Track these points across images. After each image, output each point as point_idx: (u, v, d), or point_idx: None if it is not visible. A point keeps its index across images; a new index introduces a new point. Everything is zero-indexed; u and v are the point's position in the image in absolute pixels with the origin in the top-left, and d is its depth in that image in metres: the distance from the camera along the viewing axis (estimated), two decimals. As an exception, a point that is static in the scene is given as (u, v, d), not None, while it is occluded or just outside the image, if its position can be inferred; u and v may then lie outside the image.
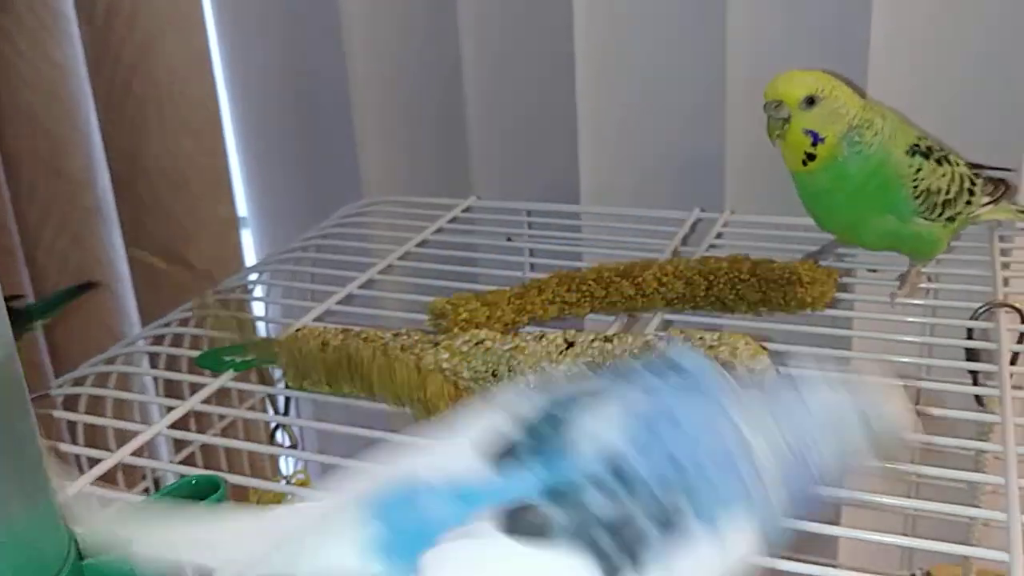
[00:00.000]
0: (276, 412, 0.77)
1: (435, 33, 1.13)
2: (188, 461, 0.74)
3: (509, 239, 1.00)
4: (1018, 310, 0.68)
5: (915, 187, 0.72)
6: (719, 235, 0.89)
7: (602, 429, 0.39)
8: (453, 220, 0.98)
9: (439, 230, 0.96)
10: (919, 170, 0.72)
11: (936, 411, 0.60)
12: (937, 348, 0.73)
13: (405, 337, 0.65)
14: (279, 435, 0.80)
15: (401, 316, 0.80)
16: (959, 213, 0.75)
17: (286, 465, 1.01)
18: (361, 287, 0.83)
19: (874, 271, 0.80)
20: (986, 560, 0.49)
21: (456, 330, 0.66)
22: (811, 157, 0.71)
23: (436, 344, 0.64)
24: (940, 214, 0.74)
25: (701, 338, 0.58)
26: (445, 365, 0.63)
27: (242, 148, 1.30)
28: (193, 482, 0.52)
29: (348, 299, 0.81)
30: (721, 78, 0.97)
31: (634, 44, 1.02)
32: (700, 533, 0.38)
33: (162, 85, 1.18)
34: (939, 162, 0.74)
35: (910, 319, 0.75)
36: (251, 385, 0.71)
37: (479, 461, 0.39)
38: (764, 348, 0.57)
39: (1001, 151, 0.86)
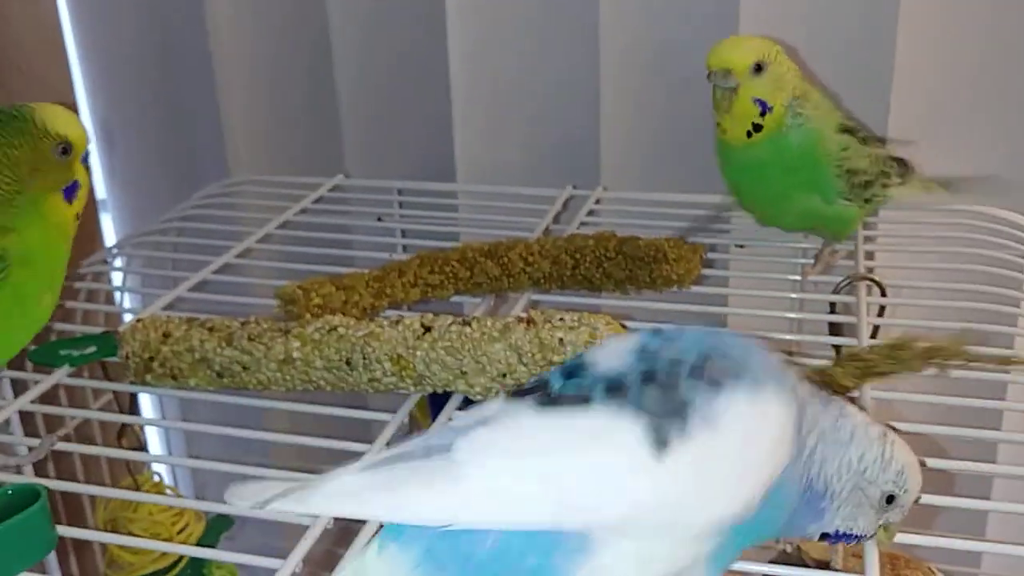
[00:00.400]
0: (122, 411, 0.72)
1: (303, 6, 1.09)
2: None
3: (380, 219, 0.97)
4: (878, 283, 0.68)
5: (839, 166, 0.70)
6: (591, 212, 0.87)
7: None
8: (319, 200, 0.94)
9: (303, 211, 0.92)
10: (846, 148, 0.70)
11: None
12: (805, 323, 0.73)
13: (254, 326, 0.61)
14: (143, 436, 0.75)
15: (259, 303, 0.76)
16: (875, 195, 0.73)
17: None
18: (218, 271, 0.79)
19: (741, 247, 0.79)
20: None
21: (308, 316, 0.62)
22: (757, 128, 0.67)
23: (286, 332, 0.60)
24: (859, 195, 0.71)
25: (561, 319, 0.56)
26: (296, 354, 0.59)
27: (99, 127, 1.23)
28: (9, 492, 0.48)
29: (204, 285, 0.77)
30: (595, 54, 0.95)
31: (508, 20, 0.99)
32: (741, 394, 0.39)
33: (11, 61, 1.10)
34: (863, 141, 0.71)
35: (778, 294, 0.74)
36: (92, 382, 0.66)
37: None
38: (624, 327, 0.56)
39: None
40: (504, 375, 0.56)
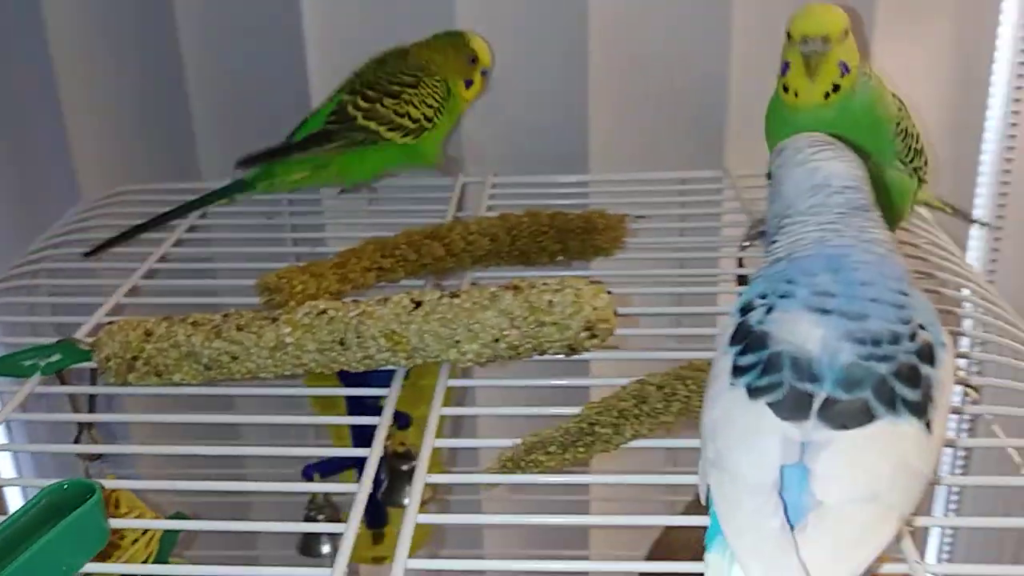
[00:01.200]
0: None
1: (148, 14, 1.07)
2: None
3: (269, 218, 0.98)
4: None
5: (897, 124, 0.73)
6: (491, 196, 0.93)
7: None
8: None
9: (204, 215, 0.92)
10: (900, 109, 0.73)
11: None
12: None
13: (237, 317, 0.63)
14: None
15: (195, 302, 0.77)
16: (919, 168, 0.77)
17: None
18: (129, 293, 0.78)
19: (642, 217, 0.87)
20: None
21: (292, 303, 0.65)
22: (836, 89, 0.70)
23: (274, 320, 0.62)
24: (911, 160, 0.75)
25: (545, 283, 0.62)
26: (288, 340, 0.62)
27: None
28: (64, 487, 0.48)
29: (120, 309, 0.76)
30: None
31: (362, 14, 1.02)
32: (942, 354, 0.44)
33: None
34: (908, 111, 0.75)
35: (696, 255, 0.83)
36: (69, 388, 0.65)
37: None
38: (600, 283, 0.62)
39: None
40: (497, 340, 0.61)
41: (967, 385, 0.62)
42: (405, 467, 0.97)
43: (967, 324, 0.75)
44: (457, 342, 0.61)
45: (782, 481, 0.39)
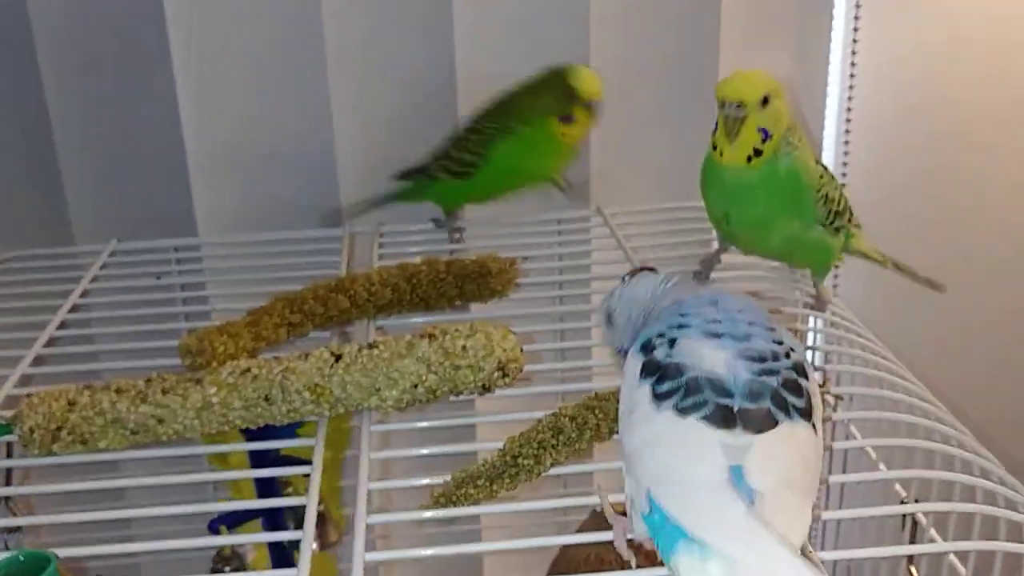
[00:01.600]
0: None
1: (12, 65, 1.06)
2: None
3: (158, 277, 0.99)
4: (654, 270, 0.85)
5: (818, 191, 0.77)
6: (381, 244, 0.97)
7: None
8: (105, 266, 0.95)
9: (95, 278, 0.92)
10: (822, 176, 0.78)
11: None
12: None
13: (161, 381, 0.65)
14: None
15: (102, 367, 0.78)
16: (842, 227, 0.81)
17: None
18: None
19: (525, 259, 0.93)
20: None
21: (215, 364, 0.67)
22: (758, 153, 0.73)
23: (199, 381, 0.65)
24: (832, 222, 0.79)
25: (457, 329, 0.66)
26: (214, 399, 0.64)
27: None
28: (21, 558, 0.50)
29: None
30: (325, 93, 1.04)
31: (235, 61, 1.04)
32: (810, 371, 0.52)
33: None
34: (831, 175, 0.80)
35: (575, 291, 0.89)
36: None
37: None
38: (509, 329, 0.67)
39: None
40: (415, 385, 0.65)
41: (834, 396, 0.70)
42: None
43: (818, 338, 0.84)
44: (378, 390, 0.65)
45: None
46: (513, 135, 0.92)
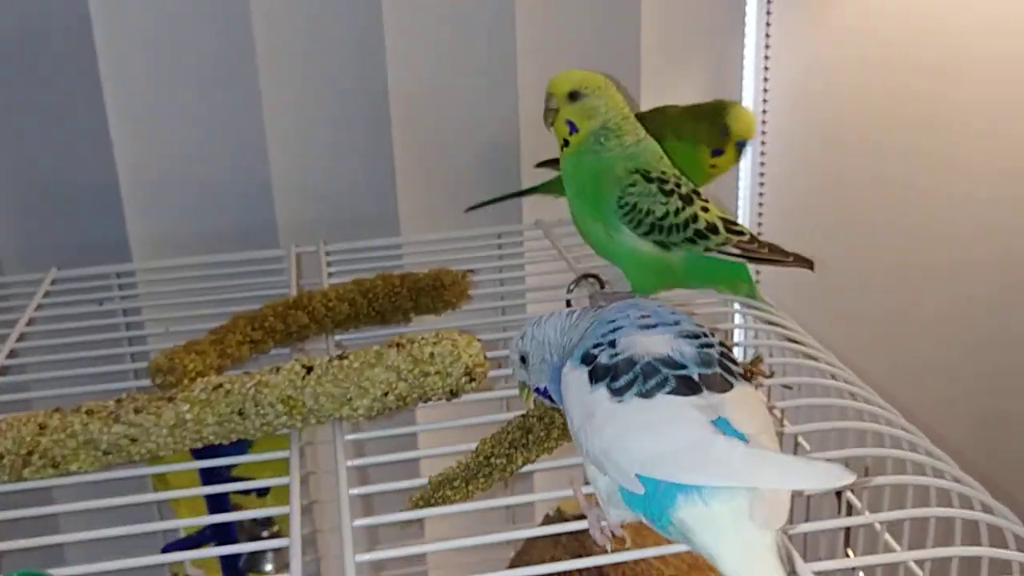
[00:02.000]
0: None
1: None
2: None
3: (100, 303, 0.98)
4: (598, 278, 0.89)
5: (621, 197, 0.78)
6: (329, 263, 0.99)
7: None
8: (47, 294, 0.94)
9: (39, 307, 0.92)
10: (633, 185, 0.78)
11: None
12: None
13: (132, 400, 0.66)
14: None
15: (54, 394, 0.78)
16: (676, 245, 0.80)
17: None
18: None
19: (471, 271, 0.96)
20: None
21: (186, 382, 0.68)
22: (566, 143, 0.81)
23: (171, 400, 0.65)
24: (648, 234, 0.79)
25: (423, 338, 0.68)
26: (188, 417, 0.65)
27: None
28: (17, 579, 0.50)
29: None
30: (259, 111, 1.05)
31: (167, 85, 1.05)
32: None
33: None
34: (666, 192, 0.78)
35: (516, 301, 0.92)
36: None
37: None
38: (474, 336, 0.70)
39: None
40: (386, 393, 0.67)
41: (784, 386, 0.75)
42: (265, 533, 1.00)
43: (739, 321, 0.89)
44: (349, 399, 0.67)
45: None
46: (663, 144, 0.84)
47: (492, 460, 0.63)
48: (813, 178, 1.28)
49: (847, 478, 0.44)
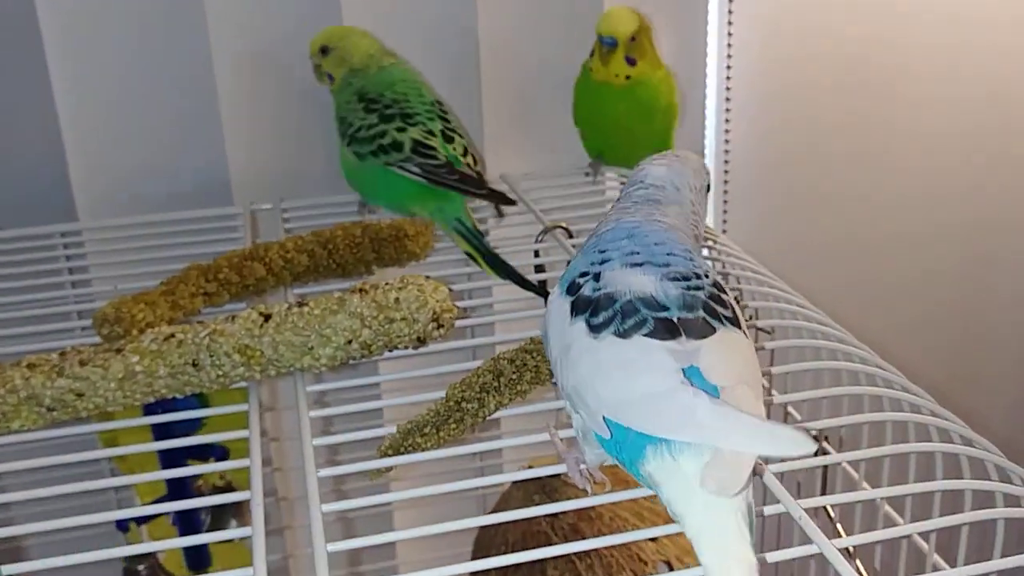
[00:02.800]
0: None
1: None
2: None
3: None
4: (566, 228, 0.86)
5: (338, 113, 0.92)
6: (285, 219, 0.95)
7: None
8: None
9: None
10: (348, 103, 0.91)
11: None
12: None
13: (75, 353, 0.62)
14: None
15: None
16: (364, 156, 0.88)
17: None
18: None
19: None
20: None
21: (135, 332, 0.64)
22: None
23: (120, 351, 0.62)
24: (349, 144, 0.90)
25: (387, 283, 0.65)
26: (138, 368, 0.61)
27: None
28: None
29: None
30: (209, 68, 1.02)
31: (112, 33, 1.00)
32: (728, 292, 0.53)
33: None
34: (369, 110, 0.89)
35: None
36: None
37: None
38: (446, 283, 0.67)
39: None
40: (349, 341, 0.64)
41: (760, 329, 0.73)
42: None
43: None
44: (311, 348, 0.63)
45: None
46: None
47: (463, 405, 0.60)
48: (775, 150, 1.27)
49: (810, 446, 0.41)
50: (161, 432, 0.83)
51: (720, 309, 0.50)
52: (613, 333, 0.49)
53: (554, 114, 1.10)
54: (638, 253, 0.53)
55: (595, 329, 0.50)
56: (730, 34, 1.20)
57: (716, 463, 0.43)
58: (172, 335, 0.62)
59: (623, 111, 0.97)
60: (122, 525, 0.94)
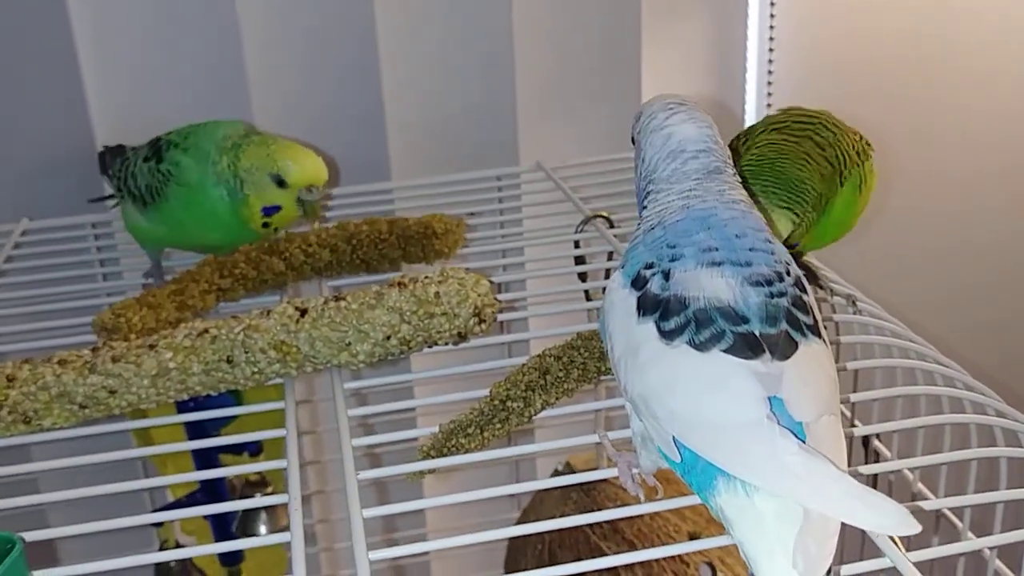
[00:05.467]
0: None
1: None
2: None
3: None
4: (607, 218, 0.84)
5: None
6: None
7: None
8: (17, 246, 0.88)
9: (8, 259, 0.85)
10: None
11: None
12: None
13: (109, 349, 0.60)
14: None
15: (26, 347, 0.72)
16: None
17: None
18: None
19: (472, 214, 0.90)
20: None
21: (134, 337, 0.62)
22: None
23: (152, 347, 0.60)
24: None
25: (427, 277, 0.63)
26: (171, 366, 0.59)
27: None
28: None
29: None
30: (239, 55, 0.99)
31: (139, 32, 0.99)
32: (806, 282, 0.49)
33: None
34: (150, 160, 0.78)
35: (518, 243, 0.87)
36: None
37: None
38: (486, 275, 0.64)
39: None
40: (388, 337, 0.61)
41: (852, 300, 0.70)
42: (259, 495, 0.94)
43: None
44: (348, 344, 0.61)
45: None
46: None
47: (508, 404, 0.57)
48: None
49: (915, 526, 0.37)
50: (194, 426, 0.82)
51: (802, 317, 0.46)
52: (688, 343, 0.45)
53: (589, 101, 1.08)
54: (717, 250, 0.48)
55: (667, 335, 0.46)
56: (772, 27, 1.17)
57: (806, 533, 0.39)
58: (206, 330, 0.60)
59: None
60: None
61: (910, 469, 0.67)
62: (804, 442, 0.41)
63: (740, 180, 0.55)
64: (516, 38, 1.04)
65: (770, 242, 0.50)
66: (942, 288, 1.37)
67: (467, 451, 0.56)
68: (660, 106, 0.57)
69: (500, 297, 0.78)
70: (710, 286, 0.46)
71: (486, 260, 0.85)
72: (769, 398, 0.42)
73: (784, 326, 0.45)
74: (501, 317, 0.70)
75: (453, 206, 0.92)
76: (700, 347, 0.44)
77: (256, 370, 0.61)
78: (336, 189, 0.97)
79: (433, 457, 0.56)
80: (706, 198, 0.52)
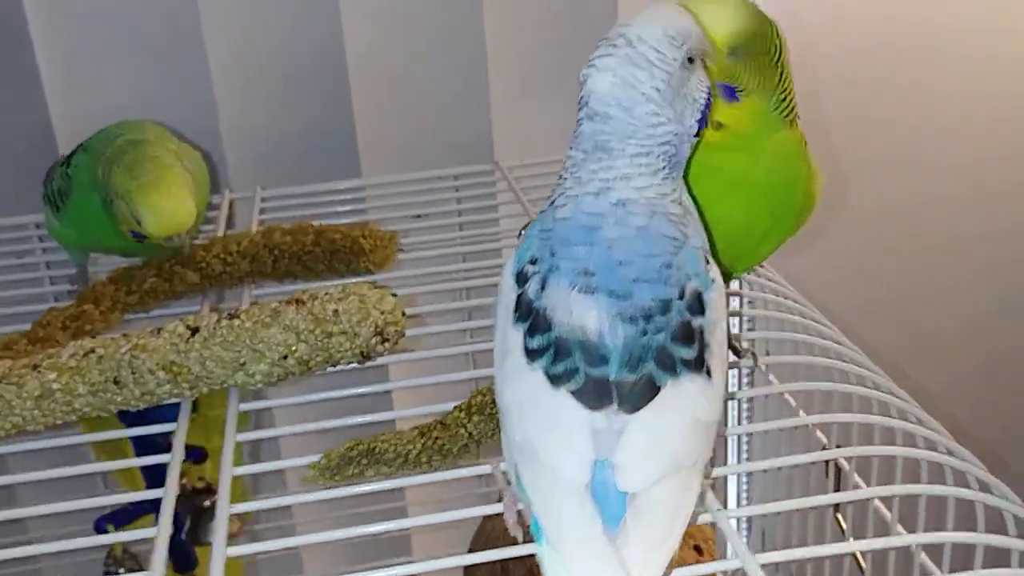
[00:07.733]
0: None
1: None
2: None
3: (20, 256, 0.91)
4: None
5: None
6: (262, 210, 0.90)
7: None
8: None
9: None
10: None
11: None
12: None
13: (-7, 370, 0.58)
14: None
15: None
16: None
17: None
18: None
19: (419, 216, 0.87)
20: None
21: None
22: None
23: (36, 367, 0.57)
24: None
25: (327, 293, 0.60)
26: (55, 386, 0.57)
27: None
28: None
29: None
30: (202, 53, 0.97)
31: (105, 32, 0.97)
32: (711, 294, 0.45)
33: None
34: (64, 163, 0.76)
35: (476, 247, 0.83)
36: None
37: None
38: (385, 287, 0.61)
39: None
40: (285, 356, 0.58)
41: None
42: (207, 502, 0.92)
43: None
44: (243, 364, 0.58)
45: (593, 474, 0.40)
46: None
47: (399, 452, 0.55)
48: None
49: None
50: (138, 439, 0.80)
51: (680, 352, 0.41)
52: (543, 371, 0.42)
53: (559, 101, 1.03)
54: (594, 275, 0.42)
55: (530, 354, 0.42)
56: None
57: None
58: (92, 350, 0.58)
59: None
60: (99, 527, 0.91)
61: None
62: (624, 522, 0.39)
63: (664, 165, 0.45)
64: (488, 35, 1.00)
65: (668, 264, 0.43)
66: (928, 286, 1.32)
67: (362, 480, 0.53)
68: (612, 34, 0.45)
69: (464, 304, 0.75)
70: (578, 314, 0.42)
71: (450, 264, 0.81)
72: (600, 463, 0.40)
73: (648, 368, 0.41)
74: (463, 326, 0.67)
75: (406, 207, 0.90)
76: (552, 380, 0.41)
77: (146, 391, 0.58)
78: (285, 189, 0.94)
79: (327, 478, 0.53)
80: (593, 191, 0.44)
